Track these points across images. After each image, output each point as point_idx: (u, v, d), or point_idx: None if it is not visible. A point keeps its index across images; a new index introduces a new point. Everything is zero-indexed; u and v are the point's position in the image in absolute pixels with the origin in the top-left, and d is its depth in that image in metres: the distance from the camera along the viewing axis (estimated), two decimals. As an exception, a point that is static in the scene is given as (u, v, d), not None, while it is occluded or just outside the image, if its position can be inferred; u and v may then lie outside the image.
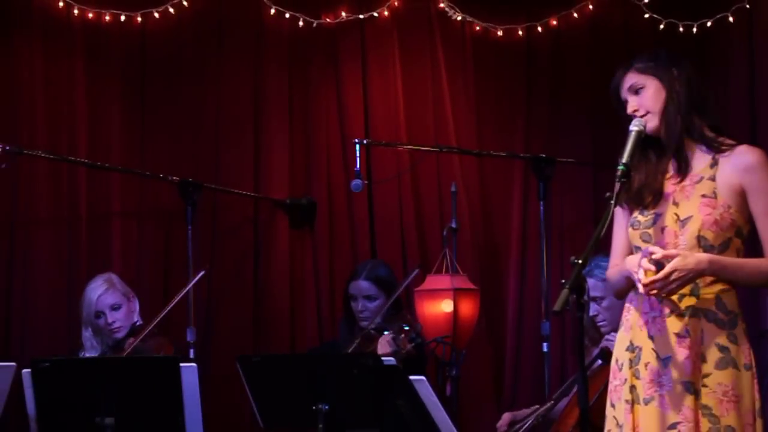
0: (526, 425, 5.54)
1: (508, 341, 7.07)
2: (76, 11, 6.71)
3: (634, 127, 3.96)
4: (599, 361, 5.35)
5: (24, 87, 6.65)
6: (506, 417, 5.81)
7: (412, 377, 4.80)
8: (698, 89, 4.02)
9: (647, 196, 3.98)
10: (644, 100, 4.00)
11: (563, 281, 3.57)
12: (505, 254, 7.13)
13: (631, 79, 4.03)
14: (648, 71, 4.02)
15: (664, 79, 3.99)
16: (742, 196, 3.92)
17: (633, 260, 3.90)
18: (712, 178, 3.93)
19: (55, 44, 6.72)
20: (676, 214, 3.94)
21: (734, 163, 3.93)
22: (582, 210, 7.13)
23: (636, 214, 4.01)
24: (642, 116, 3.98)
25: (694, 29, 7.02)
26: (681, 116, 3.96)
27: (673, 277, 3.78)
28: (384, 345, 5.77)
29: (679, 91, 3.98)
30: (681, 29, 7.03)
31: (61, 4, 6.67)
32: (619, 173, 3.85)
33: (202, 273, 6.15)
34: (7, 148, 6.15)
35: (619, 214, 4.08)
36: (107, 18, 6.75)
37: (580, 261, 3.61)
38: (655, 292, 3.81)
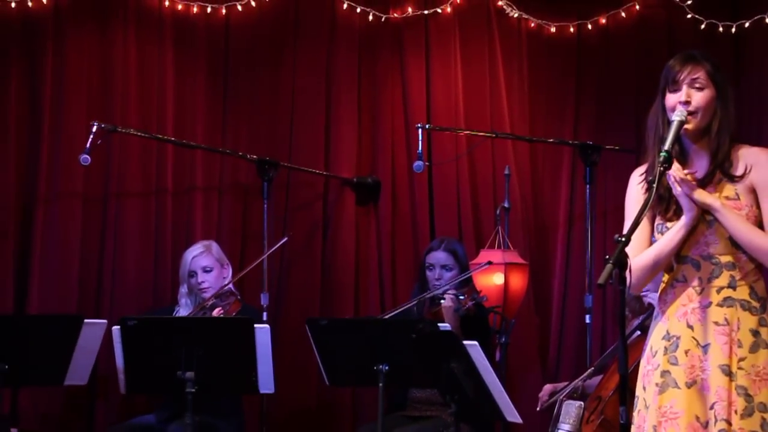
0: (563, 395, 5.53)
1: (554, 312, 7.05)
2: (167, 3, 6.74)
3: (676, 117, 3.80)
4: (638, 332, 5.34)
5: (118, 71, 6.69)
6: (547, 388, 5.81)
7: (465, 342, 4.81)
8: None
9: (669, 210, 3.89)
10: (701, 100, 3.81)
11: (607, 257, 3.52)
12: (553, 232, 7.11)
13: (700, 75, 3.82)
14: (714, 79, 3.82)
15: (722, 94, 3.83)
16: (754, 193, 3.81)
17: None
18: (732, 180, 3.82)
19: (147, 33, 6.75)
20: (703, 214, 3.81)
21: (744, 163, 3.81)
22: (625, 194, 7.05)
23: (662, 221, 3.91)
24: (689, 111, 3.80)
25: (733, 29, 6.96)
26: (729, 138, 3.82)
27: (691, 187, 3.77)
28: (447, 300, 5.80)
29: (731, 113, 3.83)
30: (720, 29, 6.96)
31: (153, -4, 6.72)
32: (661, 159, 3.76)
33: (284, 240, 6.25)
34: (103, 125, 6.21)
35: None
36: (195, 10, 6.78)
37: (623, 239, 3.57)
38: (674, 179, 3.80)
